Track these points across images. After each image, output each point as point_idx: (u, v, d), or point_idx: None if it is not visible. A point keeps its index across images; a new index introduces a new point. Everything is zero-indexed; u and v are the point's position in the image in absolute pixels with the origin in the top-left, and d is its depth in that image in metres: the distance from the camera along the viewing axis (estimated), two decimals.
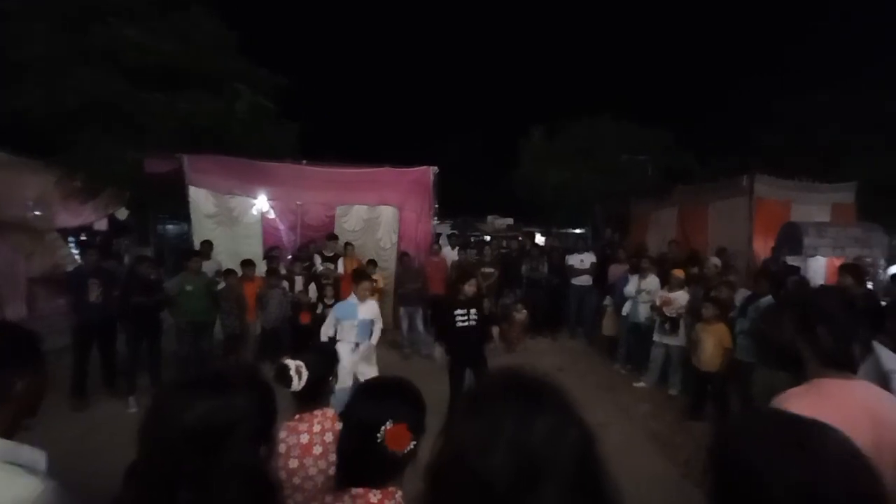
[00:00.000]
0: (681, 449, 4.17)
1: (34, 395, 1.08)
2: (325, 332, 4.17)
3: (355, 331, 4.16)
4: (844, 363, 1.47)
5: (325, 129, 19.15)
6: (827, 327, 1.47)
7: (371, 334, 4.32)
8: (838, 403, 1.43)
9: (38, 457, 1.10)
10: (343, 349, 3.96)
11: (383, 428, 1.08)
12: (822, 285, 5.03)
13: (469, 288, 4.36)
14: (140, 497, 0.72)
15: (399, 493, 1.12)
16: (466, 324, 4.29)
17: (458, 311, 4.31)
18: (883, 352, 2.62)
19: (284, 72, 9.68)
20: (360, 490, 1.09)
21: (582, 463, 0.61)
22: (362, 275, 4.45)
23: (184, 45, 8.03)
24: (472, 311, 4.32)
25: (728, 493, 0.69)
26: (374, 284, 7.08)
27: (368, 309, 4.28)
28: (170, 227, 12.96)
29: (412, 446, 1.12)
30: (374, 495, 1.08)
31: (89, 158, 7.11)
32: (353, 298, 4.29)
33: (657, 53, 28.44)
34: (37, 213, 7.00)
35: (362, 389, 1.24)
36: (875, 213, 8.46)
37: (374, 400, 1.18)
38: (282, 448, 1.48)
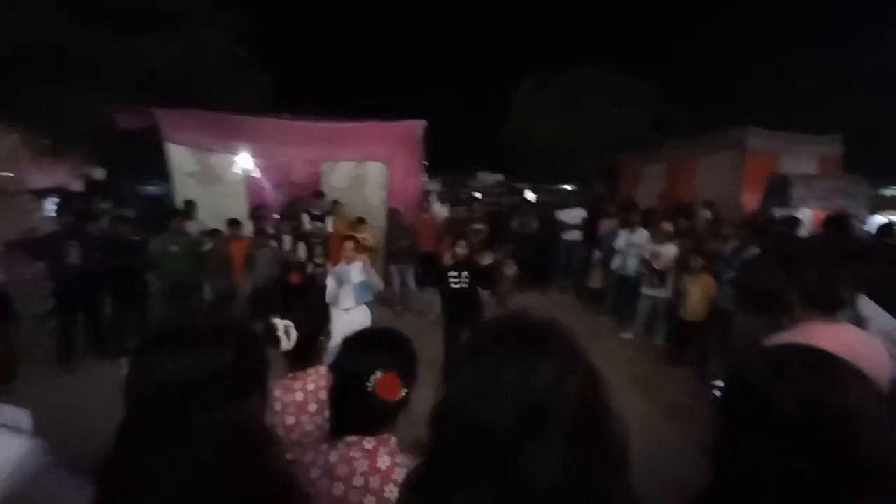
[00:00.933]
0: (662, 391, 4.38)
1: (4, 359, 1.05)
2: (331, 297, 4.14)
3: (351, 294, 4.14)
4: (830, 306, 1.50)
5: (303, 78, 18.30)
6: (814, 271, 1.49)
7: (367, 295, 4.31)
8: (823, 345, 1.47)
9: (21, 416, 1.08)
10: (338, 313, 3.95)
11: (373, 376, 1.08)
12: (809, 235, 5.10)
13: (459, 250, 4.35)
14: (123, 456, 0.70)
15: (393, 440, 1.13)
16: (459, 285, 4.32)
17: (451, 273, 4.33)
18: (861, 299, 2.71)
19: (256, 15, 9.03)
20: (354, 438, 1.10)
21: (586, 406, 0.60)
22: (345, 236, 4.40)
23: None
24: (465, 272, 4.34)
25: (743, 416, 0.69)
26: (364, 241, 7.07)
27: (358, 270, 4.26)
28: (151, 187, 12.57)
29: (403, 394, 1.13)
30: (369, 442, 1.09)
31: (47, 112, 6.55)
32: (344, 261, 4.29)
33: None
34: (6, 174, 6.68)
35: (351, 340, 1.23)
36: (861, 162, 8.52)
37: (362, 349, 1.18)
38: (277, 406, 1.48)
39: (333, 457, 1.09)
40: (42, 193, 7.92)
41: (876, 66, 11.46)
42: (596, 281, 6.94)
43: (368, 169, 7.76)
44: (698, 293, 4.80)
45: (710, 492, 0.71)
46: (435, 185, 15.11)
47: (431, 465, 0.65)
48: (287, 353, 1.59)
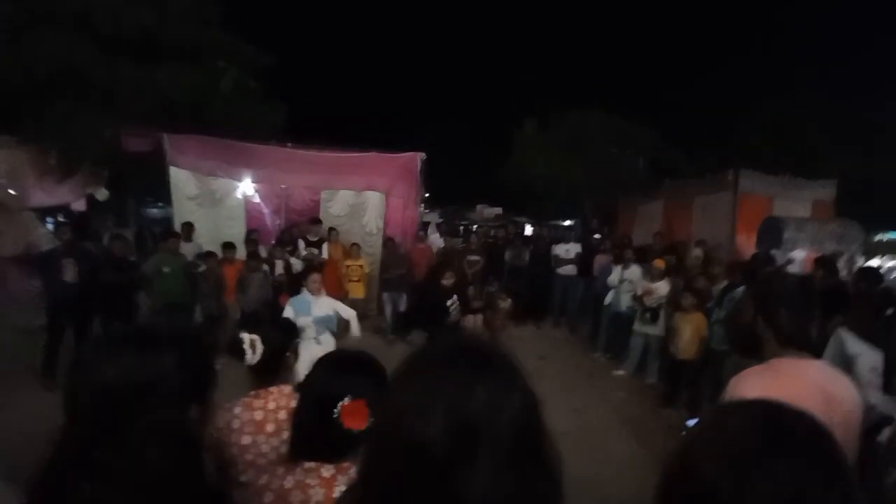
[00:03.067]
0: (654, 433, 4.26)
1: None
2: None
3: (313, 328, 3.98)
4: (801, 343, 1.50)
5: (312, 111, 18.85)
6: (785, 309, 1.50)
7: (333, 328, 4.15)
8: (792, 381, 1.46)
9: None
10: (304, 345, 3.83)
11: (341, 404, 1.04)
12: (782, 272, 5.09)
13: (446, 281, 4.37)
14: (54, 458, 0.69)
15: (353, 469, 1.08)
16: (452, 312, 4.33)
17: (449, 301, 4.33)
18: (848, 337, 2.70)
19: (270, 50, 9.43)
20: (312, 464, 1.06)
21: (522, 431, 0.59)
22: (315, 268, 4.34)
23: (162, 13, 7.63)
24: (454, 297, 4.36)
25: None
26: (360, 269, 7.09)
27: (323, 304, 4.09)
28: (153, 210, 12.76)
29: (371, 424, 1.07)
30: (327, 470, 1.05)
31: (62, 133, 6.76)
32: (306, 294, 4.11)
33: (644, 49, 28.38)
34: (9, 191, 6.80)
35: (322, 361, 1.19)
36: (854, 210, 8.64)
37: (333, 373, 1.14)
38: (235, 424, 1.45)
39: (289, 482, 1.05)
40: (45, 212, 8.03)
41: (873, 116, 11.82)
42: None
43: (367, 198, 7.89)
44: (689, 331, 4.76)
45: None
46: (434, 217, 15.24)
47: (365, 484, 0.64)
48: (252, 368, 1.57)
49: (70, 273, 4.78)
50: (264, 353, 1.54)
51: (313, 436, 1.08)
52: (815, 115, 12.48)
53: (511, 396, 0.60)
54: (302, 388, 1.17)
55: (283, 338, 1.67)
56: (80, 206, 9.09)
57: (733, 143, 13.61)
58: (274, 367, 1.58)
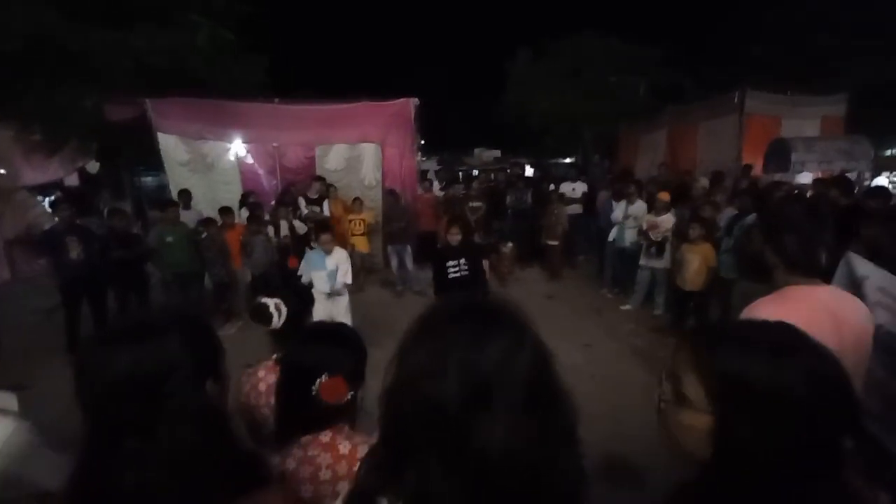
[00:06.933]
0: (661, 362, 4.39)
1: None
2: (304, 278, 4.18)
3: (326, 280, 4.14)
4: (810, 269, 1.49)
5: (294, 61, 17.96)
6: (793, 235, 1.47)
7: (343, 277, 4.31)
8: (803, 307, 1.46)
9: (8, 399, 1.12)
10: (319, 301, 3.95)
11: (319, 380, 1.06)
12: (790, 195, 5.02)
13: (453, 237, 4.25)
14: (88, 454, 0.71)
15: (346, 427, 1.13)
16: (458, 274, 4.19)
17: (450, 263, 4.23)
18: (856, 259, 2.69)
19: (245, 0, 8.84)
20: (308, 437, 1.09)
21: (534, 384, 0.61)
22: (324, 227, 4.39)
23: None
24: (463, 260, 4.19)
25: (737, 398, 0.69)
26: (363, 222, 7.07)
27: (336, 257, 4.24)
28: (147, 178, 12.55)
29: (350, 396, 1.11)
30: (325, 436, 1.09)
31: (43, 108, 6.58)
32: (318, 249, 4.28)
33: None
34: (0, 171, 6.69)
35: (301, 337, 1.21)
36: (865, 122, 8.35)
37: (312, 346, 1.16)
38: (262, 387, 1.49)
39: (291, 463, 1.07)
40: (39, 189, 7.94)
41: (884, 26, 11.06)
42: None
43: (363, 150, 7.70)
44: (697, 262, 4.77)
45: (707, 475, 0.72)
46: (432, 165, 14.96)
47: (385, 443, 0.67)
48: (274, 332, 1.61)
49: (75, 250, 4.80)
50: (286, 317, 1.58)
51: (297, 410, 1.10)
52: (826, 18, 11.68)
53: (521, 353, 0.62)
54: (282, 364, 1.19)
55: (303, 302, 1.70)
56: (72, 180, 8.98)
57: (740, 57, 12.91)
58: (295, 331, 1.61)
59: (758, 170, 7.36)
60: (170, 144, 6.81)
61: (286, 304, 1.63)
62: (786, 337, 0.71)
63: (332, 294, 4.19)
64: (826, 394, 0.64)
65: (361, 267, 6.94)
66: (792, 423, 0.63)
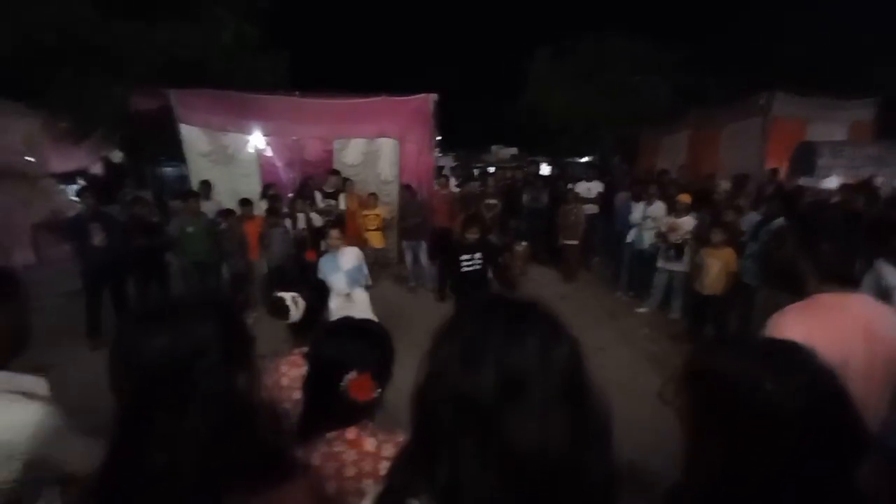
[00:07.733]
0: (676, 369, 4.32)
1: (9, 332, 1.10)
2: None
3: (344, 281, 4.11)
4: (843, 277, 1.45)
5: (316, 56, 18.10)
6: (829, 243, 1.43)
7: (364, 278, 4.29)
8: (833, 317, 1.42)
9: (38, 384, 1.15)
10: (335, 300, 3.88)
11: (347, 377, 1.06)
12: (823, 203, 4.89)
13: (471, 235, 4.33)
14: (120, 434, 0.73)
15: (370, 424, 1.13)
16: (472, 268, 4.31)
17: (464, 256, 4.32)
18: (885, 268, 2.61)
19: None
20: (332, 433, 1.09)
21: (568, 380, 0.62)
22: (333, 223, 4.41)
23: None
24: (477, 254, 4.33)
25: (705, 404, 0.73)
26: (378, 217, 7.10)
27: (349, 256, 4.20)
28: (168, 169, 12.78)
29: (377, 394, 1.11)
30: (351, 432, 1.09)
31: (72, 98, 6.79)
32: (331, 252, 4.23)
33: None
34: (28, 158, 6.87)
35: (328, 332, 1.20)
36: (889, 128, 8.08)
37: (339, 344, 1.15)
38: (284, 381, 1.49)
39: (317, 458, 1.06)
40: (64, 177, 8.14)
41: None
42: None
43: (381, 145, 7.72)
44: (718, 267, 4.67)
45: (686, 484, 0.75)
46: (449, 161, 14.93)
47: (416, 438, 0.67)
48: (293, 326, 1.61)
49: (98, 237, 4.91)
50: (304, 311, 1.59)
51: (324, 405, 1.10)
52: (855, 21, 11.31)
53: (559, 347, 0.63)
54: (310, 359, 1.19)
55: (320, 296, 1.70)
56: (96, 169, 9.20)
57: (764, 59, 12.59)
58: (312, 325, 1.62)
59: (782, 174, 7.18)
60: (192, 135, 6.92)
61: (303, 298, 1.63)
62: (782, 357, 0.72)
63: (350, 293, 4.17)
64: (820, 413, 0.65)
65: (375, 262, 6.97)
66: (777, 442, 0.65)
